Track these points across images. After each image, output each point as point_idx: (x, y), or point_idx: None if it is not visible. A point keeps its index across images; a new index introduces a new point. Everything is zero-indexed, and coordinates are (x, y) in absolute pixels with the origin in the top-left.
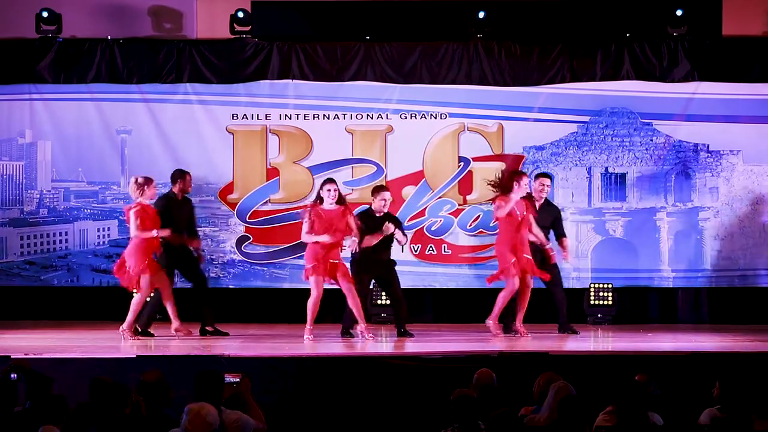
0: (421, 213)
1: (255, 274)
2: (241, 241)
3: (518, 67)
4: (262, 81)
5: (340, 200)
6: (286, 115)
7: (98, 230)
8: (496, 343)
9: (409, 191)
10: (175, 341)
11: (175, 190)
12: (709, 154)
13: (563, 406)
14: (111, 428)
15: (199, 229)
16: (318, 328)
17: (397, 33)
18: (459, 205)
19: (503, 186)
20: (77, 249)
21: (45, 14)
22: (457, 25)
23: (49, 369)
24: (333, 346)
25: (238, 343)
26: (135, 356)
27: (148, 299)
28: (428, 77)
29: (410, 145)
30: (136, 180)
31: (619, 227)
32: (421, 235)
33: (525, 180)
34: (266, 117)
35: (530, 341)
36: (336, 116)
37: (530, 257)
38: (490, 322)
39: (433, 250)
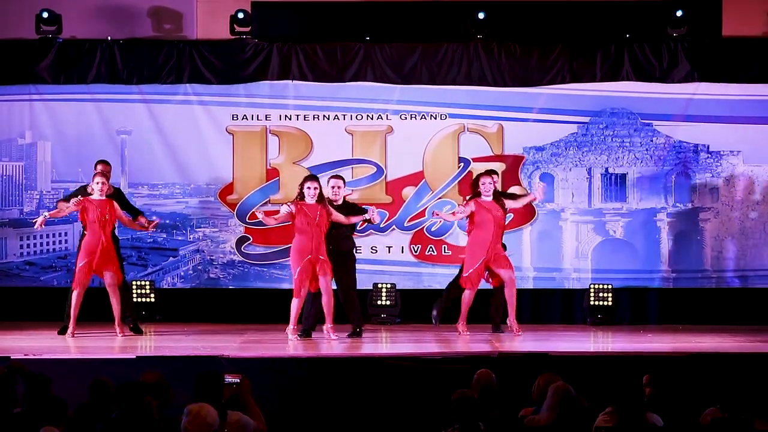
0: (421, 213)
1: (255, 274)
2: (240, 241)
3: (518, 68)
4: (261, 82)
5: (320, 198)
6: (286, 116)
7: None
8: (496, 343)
9: (409, 192)
10: (174, 341)
11: None
12: (709, 155)
13: (562, 406)
14: (119, 428)
15: (199, 229)
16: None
17: (396, 34)
18: (459, 205)
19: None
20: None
21: (45, 15)
22: (457, 25)
23: (49, 370)
24: (333, 346)
25: (238, 344)
26: (134, 357)
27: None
28: (428, 78)
29: (410, 145)
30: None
31: (619, 228)
32: (421, 235)
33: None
34: (266, 117)
35: (529, 341)
36: (336, 117)
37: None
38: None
39: (433, 250)
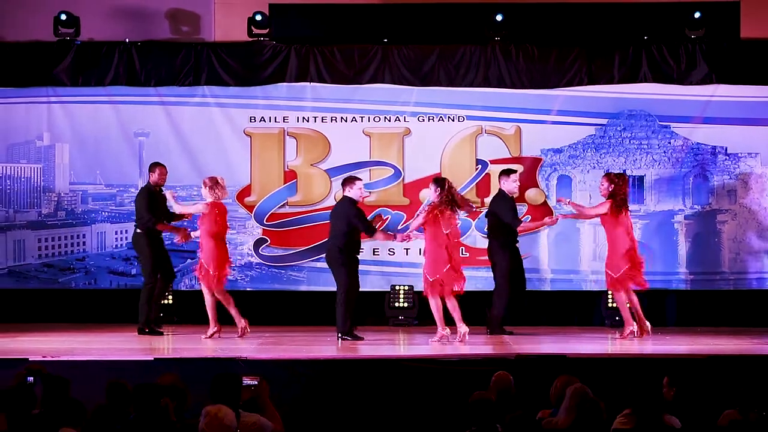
0: None
1: (272, 276)
2: (258, 243)
3: (536, 70)
4: (279, 84)
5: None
6: (303, 118)
7: (116, 233)
8: (514, 345)
9: (426, 194)
10: (192, 343)
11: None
12: (727, 157)
13: (580, 408)
14: (136, 430)
15: None
16: (323, 330)
17: (414, 36)
18: (477, 207)
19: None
20: (95, 252)
21: (63, 17)
22: (475, 27)
23: (67, 371)
24: (350, 348)
25: (255, 346)
26: (152, 359)
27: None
28: (446, 80)
29: (428, 147)
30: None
31: (636, 230)
32: None
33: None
34: (284, 119)
35: (547, 343)
36: (353, 119)
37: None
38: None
39: None
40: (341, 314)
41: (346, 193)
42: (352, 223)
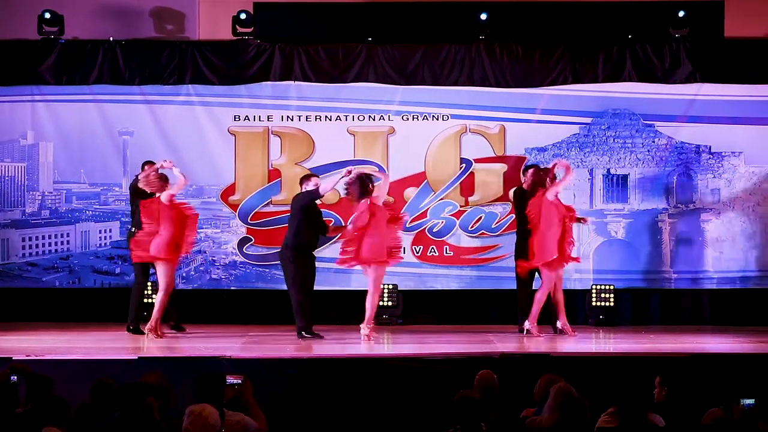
0: (423, 214)
1: (257, 275)
2: (242, 242)
3: (520, 69)
4: (264, 82)
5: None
6: (288, 117)
7: (100, 232)
8: (498, 344)
9: (410, 193)
10: (176, 342)
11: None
12: (711, 156)
13: (564, 407)
14: (121, 429)
15: (200, 230)
16: (317, 328)
17: (399, 34)
18: (461, 206)
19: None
20: (79, 251)
21: (47, 15)
22: (460, 26)
23: (51, 370)
24: (335, 347)
25: (240, 345)
26: (136, 358)
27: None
28: (430, 79)
29: (412, 146)
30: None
31: (620, 229)
32: (422, 236)
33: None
34: (268, 118)
35: (531, 342)
36: (338, 117)
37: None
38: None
39: (434, 251)
40: (296, 313)
41: (303, 189)
42: (301, 211)
